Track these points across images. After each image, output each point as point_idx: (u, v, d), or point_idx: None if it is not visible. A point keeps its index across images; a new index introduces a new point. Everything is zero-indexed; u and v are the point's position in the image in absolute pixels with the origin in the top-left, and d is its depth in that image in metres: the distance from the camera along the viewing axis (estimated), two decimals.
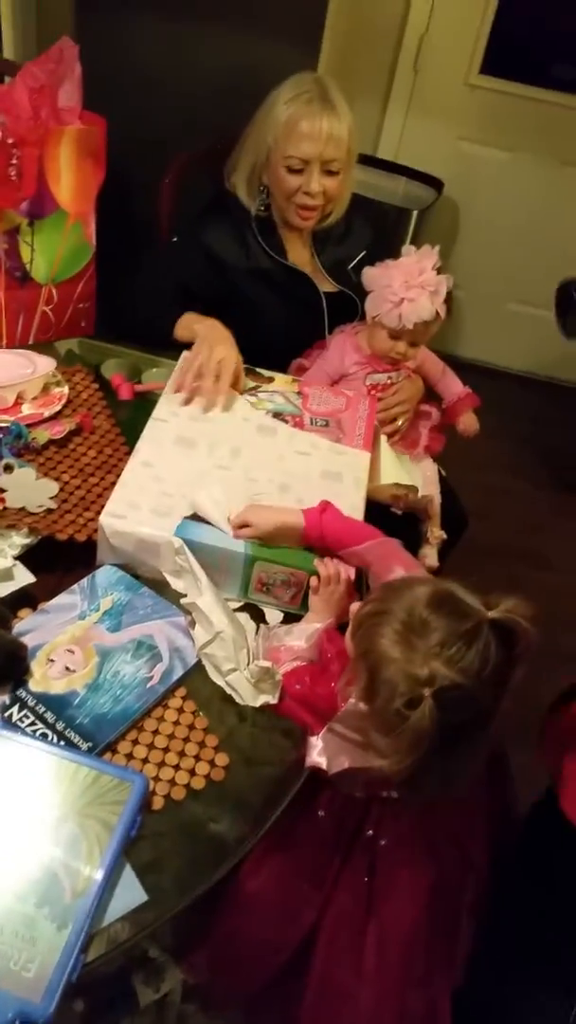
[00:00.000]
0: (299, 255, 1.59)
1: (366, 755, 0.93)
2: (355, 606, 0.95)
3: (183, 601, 1.07)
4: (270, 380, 1.40)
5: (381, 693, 0.85)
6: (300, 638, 1.05)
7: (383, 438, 1.41)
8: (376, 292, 1.39)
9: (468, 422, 1.59)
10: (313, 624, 1.06)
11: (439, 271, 1.36)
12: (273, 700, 1.01)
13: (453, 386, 1.59)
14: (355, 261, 1.61)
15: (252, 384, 1.38)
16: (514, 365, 3.21)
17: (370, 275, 1.40)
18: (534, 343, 3.13)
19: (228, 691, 1.02)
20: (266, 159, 1.48)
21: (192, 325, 1.42)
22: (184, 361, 1.37)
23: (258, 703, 1.01)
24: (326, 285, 1.60)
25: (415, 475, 1.46)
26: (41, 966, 0.78)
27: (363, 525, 1.14)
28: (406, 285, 1.35)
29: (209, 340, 1.36)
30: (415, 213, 2.61)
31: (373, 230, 1.67)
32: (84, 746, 0.94)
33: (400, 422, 1.48)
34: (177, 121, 2.12)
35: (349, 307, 1.59)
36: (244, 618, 1.13)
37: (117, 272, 1.52)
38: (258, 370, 1.42)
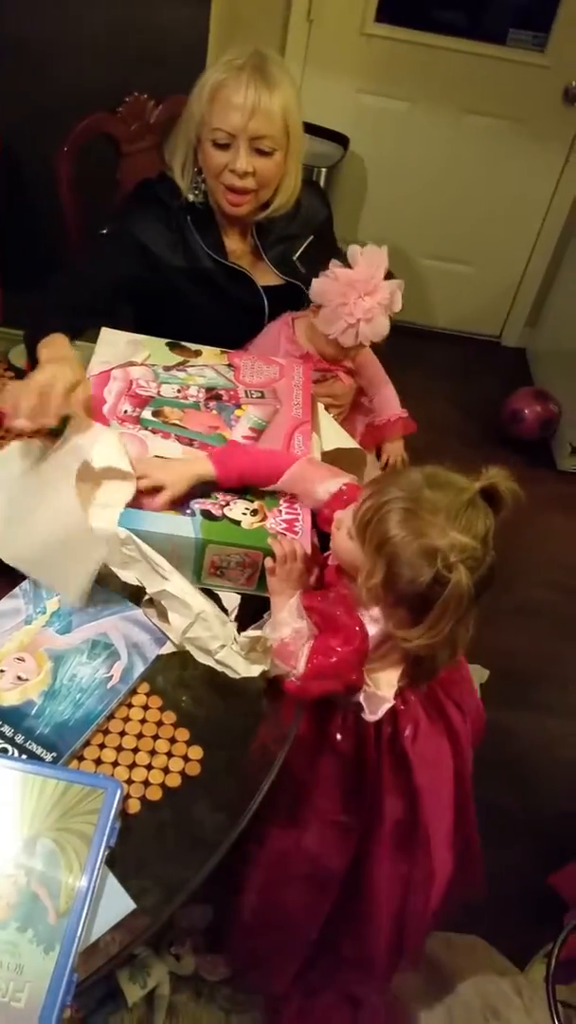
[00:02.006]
0: (238, 247, 1.48)
1: (392, 668, 1.00)
2: (346, 512, 0.98)
3: (150, 591, 1.03)
4: (197, 354, 1.34)
5: (405, 575, 0.88)
6: (292, 621, 1.00)
7: (320, 405, 1.38)
8: (330, 309, 1.32)
9: (395, 451, 1.55)
10: (287, 603, 1.02)
11: (389, 276, 1.31)
12: (267, 667, 0.99)
13: (390, 403, 1.54)
14: (300, 250, 1.52)
15: (179, 359, 1.32)
16: (434, 322, 3.22)
17: (320, 290, 1.33)
18: (450, 298, 3.15)
19: (220, 669, 0.99)
20: (197, 137, 1.36)
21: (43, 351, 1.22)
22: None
23: (254, 673, 0.99)
24: (270, 277, 1.50)
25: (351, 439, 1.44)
26: (32, 994, 0.74)
27: (272, 453, 1.14)
28: (362, 303, 1.29)
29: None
30: (323, 171, 2.57)
31: (327, 210, 1.58)
32: (48, 757, 0.90)
33: (332, 414, 1.45)
34: (68, 86, 2.01)
35: (295, 297, 1.51)
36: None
37: (23, 255, 1.43)
38: (183, 344, 1.35)
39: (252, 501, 1.11)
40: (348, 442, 1.34)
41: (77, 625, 1.04)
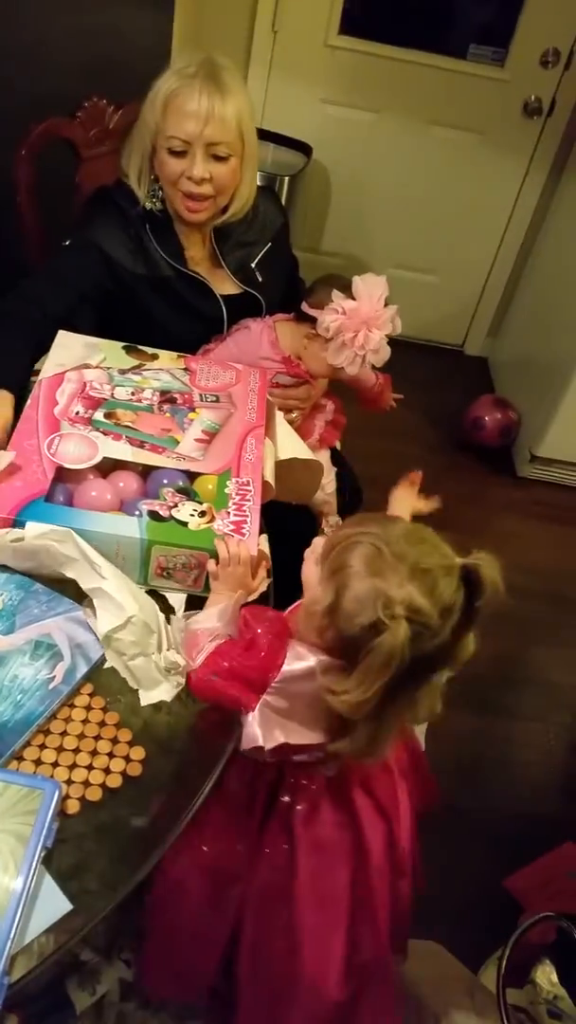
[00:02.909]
0: (197, 253, 1.49)
1: (301, 728, 0.92)
2: (321, 539, 0.93)
3: (85, 587, 1.02)
4: (154, 357, 1.34)
5: (346, 610, 0.83)
6: (211, 619, 1.00)
7: (279, 413, 1.38)
8: (338, 343, 1.33)
9: (389, 399, 1.60)
10: (220, 603, 1.02)
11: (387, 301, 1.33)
12: (167, 698, 0.98)
13: (367, 380, 1.56)
14: (258, 257, 1.53)
15: (135, 362, 1.32)
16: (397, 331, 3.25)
17: (331, 326, 1.32)
18: (414, 308, 3.17)
19: (124, 675, 0.99)
20: (152, 145, 1.36)
21: None
22: None
23: (152, 699, 0.98)
24: (228, 286, 1.51)
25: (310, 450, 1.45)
26: None
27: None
28: (372, 337, 1.31)
29: None
30: (286, 180, 2.59)
31: (283, 217, 1.59)
32: None
33: (295, 415, 1.46)
34: (27, 91, 1.99)
35: (254, 307, 1.52)
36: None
37: None
38: (140, 347, 1.36)
39: (202, 503, 1.12)
40: (305, 452, 1.35)
41: (20, 625, 1.03)
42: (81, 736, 0.94)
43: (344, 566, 0.85)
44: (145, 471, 1.16)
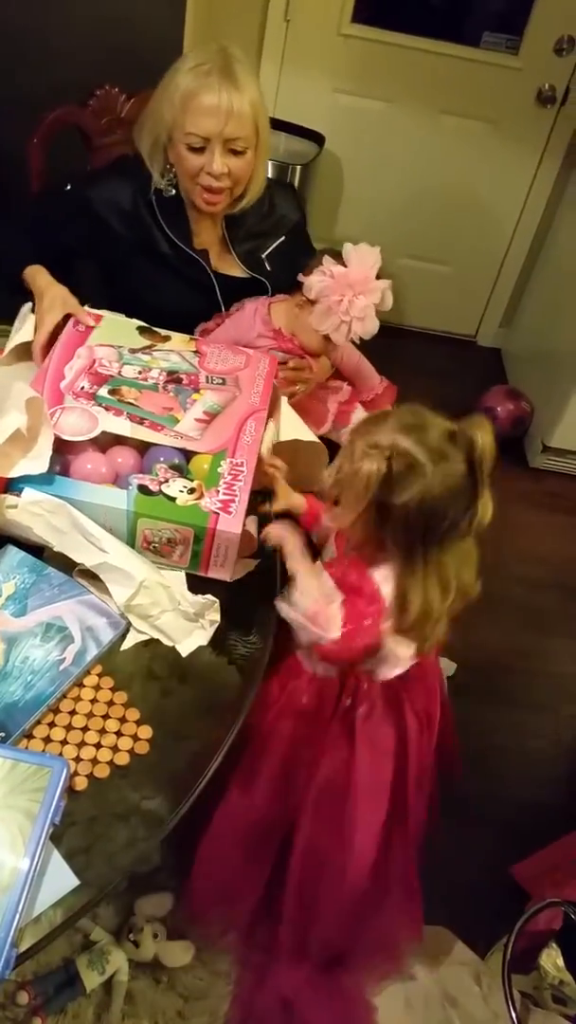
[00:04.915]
0: (208, 238, 1.51)
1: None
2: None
3: (89, 565, 1.03)
4: (166, 339, 1.34)
5: (353, 469, 0.96)
6: (311, 590, 1.04)
7: (283, 399, 1.39)
8: (323, 306, 1.33)
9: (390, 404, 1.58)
10: (302, 570, 1.07)
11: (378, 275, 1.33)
12: (205, 642, 1.00)
13: (370, 379, 1.56)
14: (270, 249, 1.54)
15: (147, 343, 1.32)
16: (410, 322, 3.24)
17: (316, 287, 1.33)
18: (426, 298, 3.17)
19: (156, 635, 1.00)
20: (168, 138, 1.38)
21: (37, 276, 1.35)
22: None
23: (191, 646, 0.99)
24: (235, 270, 1.52)
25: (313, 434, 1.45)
26: None
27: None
28: (357, 302, 1.30)
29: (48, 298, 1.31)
30: (298, 168, 2.58)
31: (300, 214, 1.60)
32: None
33: (299, 387, 1.46)
34: (41, 79, 2.00)
35: (258, 292, 1.52)
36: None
37: None
38: (154, 329, 1.36)
39: (192, 480, 1.11)
40: (307, 435, 1.34)
41: (32, 608, 1.04)
42: (90, 715, 0.95)
43: (350, 444, 0.99)
44: (142, 448, 1.17)
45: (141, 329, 1.34)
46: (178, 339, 1.36)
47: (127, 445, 1.17)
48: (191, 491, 1.10)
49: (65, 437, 1.12)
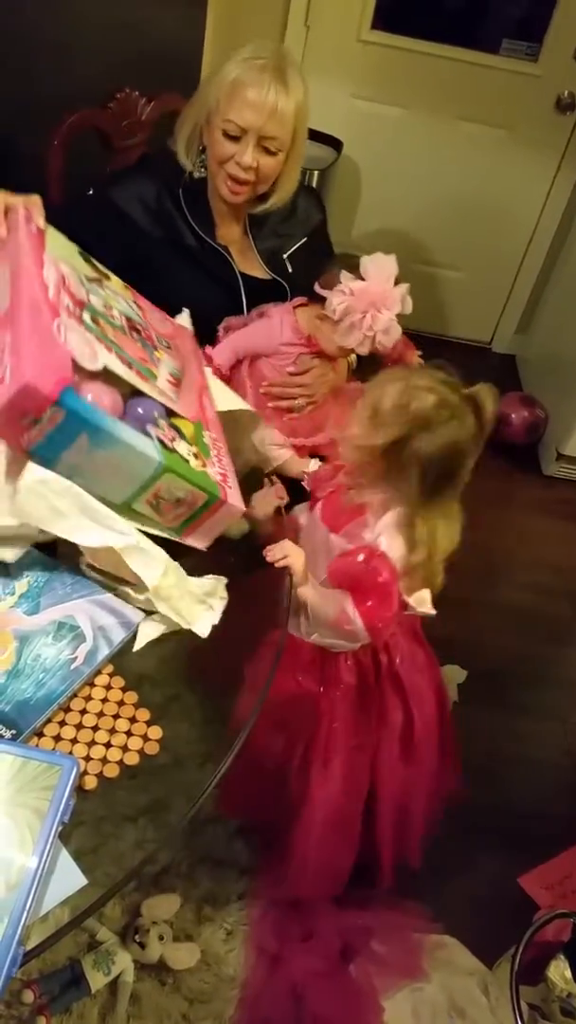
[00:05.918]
0: (229, 232, 1.51)
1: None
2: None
3: (118, 547, 0.94)
4: (107, 277, 1.16)
5: (387, 405, 1.08)
6: (323, 597, 1.18)
7: (208, 369, 1.29)
8: (347, 324, 1.33)
9: (412, 358, 1.55)
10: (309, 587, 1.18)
11: (397, 281, 1.33)
12: (216, 621, 1.00)
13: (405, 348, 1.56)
14: (292, 249, 1.54)
15: (94, 274, 1.14)
16: (425, 328, 3.24)
17: (339, 308, 1.32)
18: (442, 304, 3.17)
19: (175, 618, 0.99)
20: (207, 119, 1.39)
21: None
22: None
23: (206, 628, 0.99)
24: (256, 270, 1.52)
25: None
26: None
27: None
28: (381, 317, 1.30)
29: None
30: (316, 174, 2.59)
31: (322, 215, 1.60)
32: (7, 734, 0.90)
33: (298, 401, 1.46)
34: (61, 82, 2.02)
35: (279, 293, 1.52)
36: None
37: None
38: (94, 261, 1.16)
39: (192, 445, 1.04)
40: (239, 404, 1.28)
41: (45, 607, 1.04)
42: (100, 714, 0.95)
43: (387, 384, 1.11)
44: (126, 395, 1.00)
45: (84, 256, 1.15)
46: (116, 282, 1.19)
47: (106, 383, 0.97)
48: (195, 456, 1.02)
49: (77, 360, 0.92)
